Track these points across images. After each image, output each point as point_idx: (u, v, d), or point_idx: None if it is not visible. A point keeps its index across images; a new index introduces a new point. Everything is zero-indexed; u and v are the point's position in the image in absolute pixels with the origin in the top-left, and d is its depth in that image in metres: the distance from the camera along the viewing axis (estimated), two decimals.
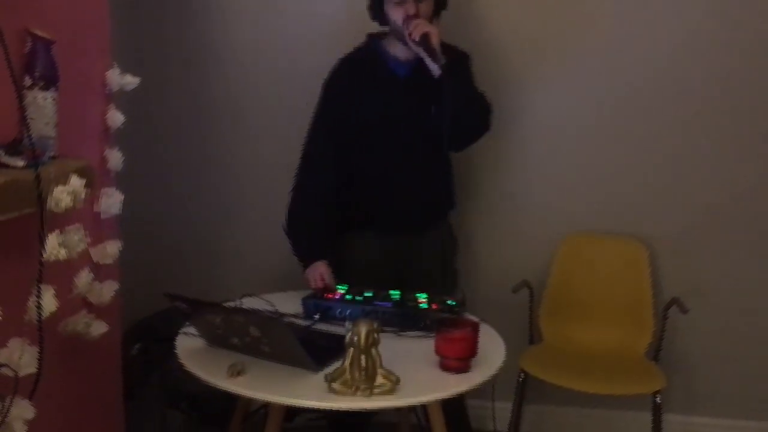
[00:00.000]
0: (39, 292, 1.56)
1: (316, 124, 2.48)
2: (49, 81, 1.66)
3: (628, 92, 2.77)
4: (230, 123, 2.96)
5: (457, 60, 2.38)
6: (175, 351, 1.92)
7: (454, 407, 1.98)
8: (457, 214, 2.66)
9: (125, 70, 2.07)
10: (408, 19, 2.28)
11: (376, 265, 2.45)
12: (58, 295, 1.61)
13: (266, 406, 1.92)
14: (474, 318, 2.05)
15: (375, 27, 2.45)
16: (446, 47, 2.38)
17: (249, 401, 2.08)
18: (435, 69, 2.26)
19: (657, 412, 2.54)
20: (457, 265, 2.63)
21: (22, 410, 1.54)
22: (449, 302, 2.18)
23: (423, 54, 2.27)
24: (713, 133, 2.76)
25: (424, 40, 2.25)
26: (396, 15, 2.32)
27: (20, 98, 1.54)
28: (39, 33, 1.65)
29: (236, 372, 1.74)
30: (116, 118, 2.06)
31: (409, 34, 2.27)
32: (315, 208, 2.45)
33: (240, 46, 2.90)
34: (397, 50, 2.40)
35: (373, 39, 2.47)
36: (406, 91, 2.41)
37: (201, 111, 2.97)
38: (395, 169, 2.44)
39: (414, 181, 2.44)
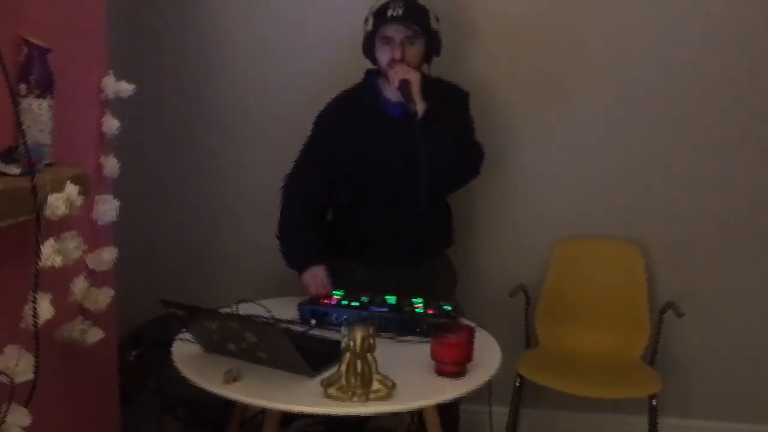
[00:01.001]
0: (35, 299, 1.57)
1: (304, 157, 2.47)
2: (45, 88, 1.67)
3: (625, 100, 2.78)
4: (224, 129, 2.96)
5: (447, 102, 2.36)
6: (171, 357, 1.92)
7: (445, 412, 1.97)
8: (457, 249, 2.64)
9: (120, 77, 2.08)
10: (391, 62, 2.28)
11: None
12: (54, 302, 1.61)
13: (263, 411, 1.92)
14: (469, 323, 2.05)
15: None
16: (445, 85, 2.39)
17: (245, 407, 2.08)
18: (413, 115, 2.23)
19: (653, 415, 2.55)
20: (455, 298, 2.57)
21: (19, 417, 1.54)
22: (445, 307, 2.19)
23: (403, 99, 2.26)
24: (709, 139, 2.77)
25: (404, 87, 2.24)
26: (382, 57, 2.32)
27: (15, 106, 1.55)
28: (34, 41, 1.65)
29: (232, 378, 1.74)
30: (112, 124, 2.07)
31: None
32: (304, 224, 2.45)
33: (233, 54, 2.91)
34: (388, 91, 2.39)
35: (371, 76, 2.46)
36: (400, 130, 2.35)
37: (195, 117, 2.97)
38: (386, 207, 2.42)
39: (405, 219, 2.41)
